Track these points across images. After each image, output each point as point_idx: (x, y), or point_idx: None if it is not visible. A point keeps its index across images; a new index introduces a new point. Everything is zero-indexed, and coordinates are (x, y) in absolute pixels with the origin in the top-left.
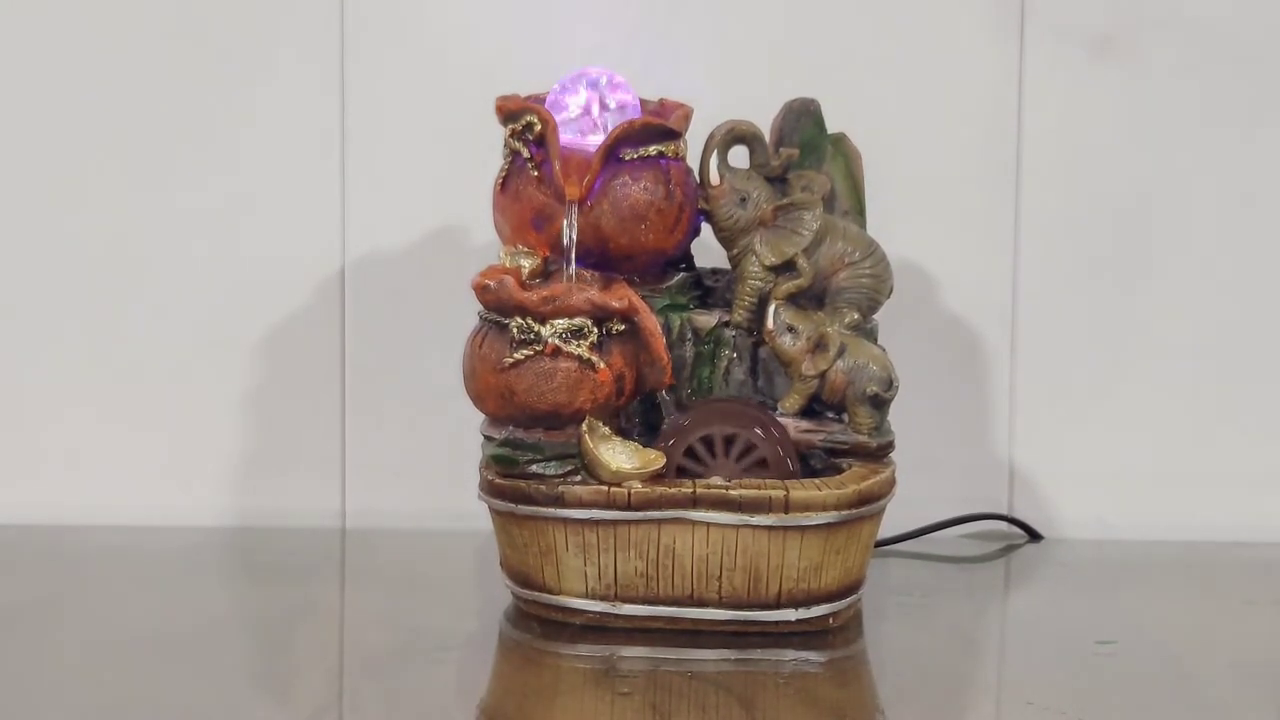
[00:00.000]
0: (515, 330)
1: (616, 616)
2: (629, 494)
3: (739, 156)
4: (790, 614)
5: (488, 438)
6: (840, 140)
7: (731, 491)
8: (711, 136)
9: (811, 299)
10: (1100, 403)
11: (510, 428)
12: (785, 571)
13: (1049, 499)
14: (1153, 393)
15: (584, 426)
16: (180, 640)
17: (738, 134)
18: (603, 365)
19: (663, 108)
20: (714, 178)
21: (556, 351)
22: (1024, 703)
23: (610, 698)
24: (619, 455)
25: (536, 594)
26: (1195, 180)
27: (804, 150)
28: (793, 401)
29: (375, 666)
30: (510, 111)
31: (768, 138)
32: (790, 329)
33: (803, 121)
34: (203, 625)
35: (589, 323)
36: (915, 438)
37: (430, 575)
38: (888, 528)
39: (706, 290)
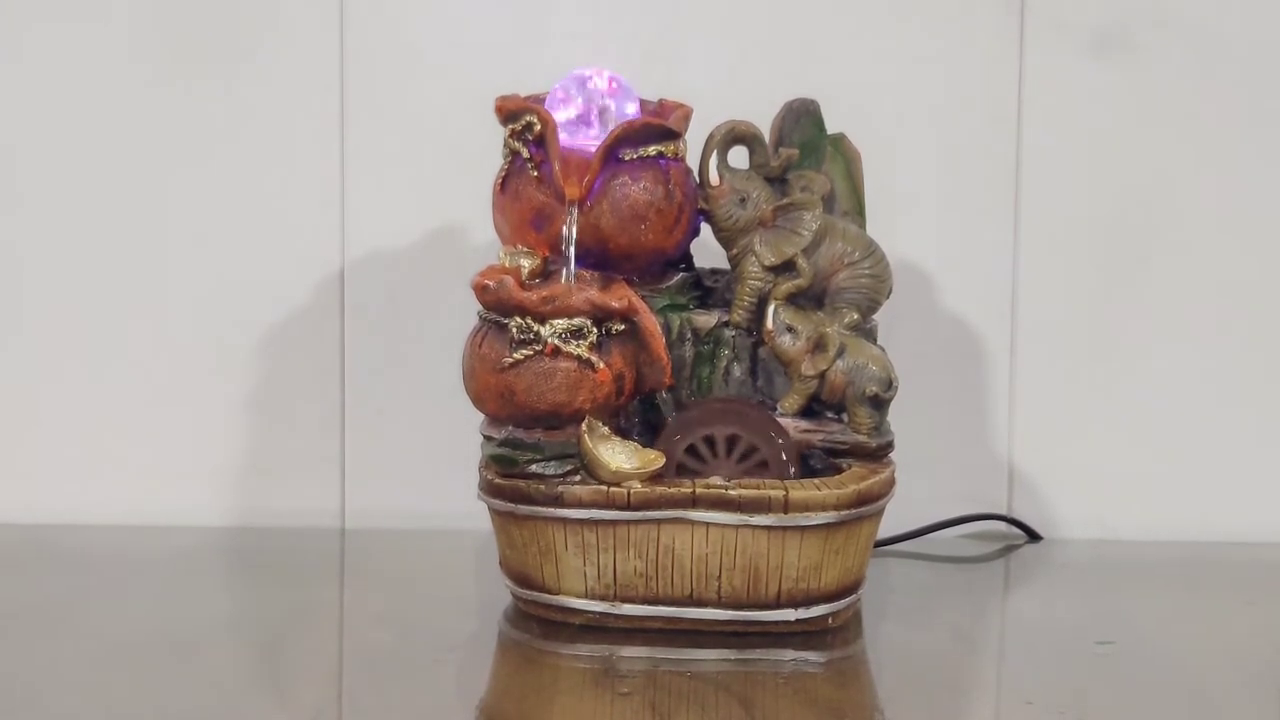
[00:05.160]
0: (515, 330)
1: (616, 616)
2: (628, 494)
3: (739, 157)
4: (790, 614)
5: (487, 437)
6: (840, 141)
7: (731, 491)
8: (711, 136)
9: (811, 299)
10: (1100, 403)
11: (510, 427)
12: (785, 571)
13: (1048, 499)
14: (1153, 393)
15: (583, 426)
16: (180, 641)
17: (737, 134)
18: (602, 365)
19: (662, 108)
20: (714, 178)
21: (556, 351)
22: (1024, 703)
23: (610, 698)
24: (618, 455)
25: (536, 594)
26: (1195, 179)
27: (804, 150)
28: (792, 401)
29: (375, 666)
30: (510, 111)
31: (767, 138)
32: (790, 329)
33: (802, 122)
34: (203, 625)
35: (588, 323)
36: (915, 438)
37: (430, 575)
38: (887, 528)
39: (706, 290)
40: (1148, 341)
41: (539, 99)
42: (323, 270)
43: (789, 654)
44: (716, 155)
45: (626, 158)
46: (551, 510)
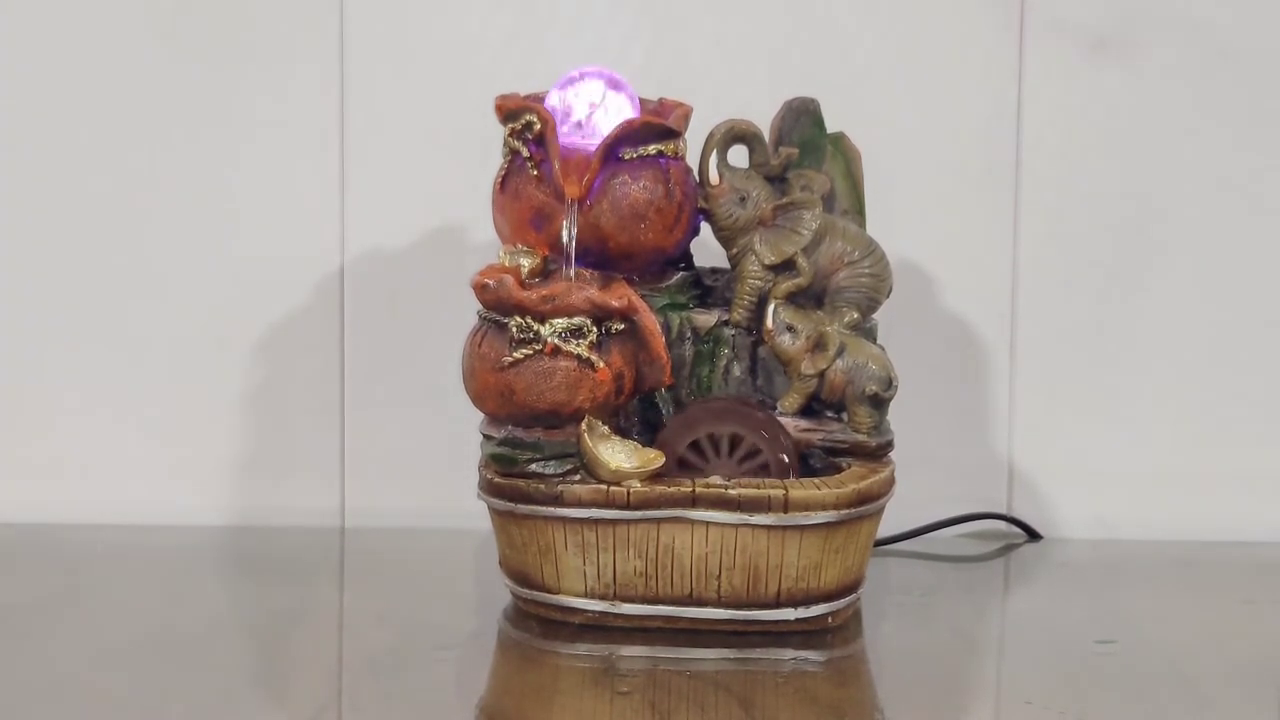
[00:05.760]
0: (514, 329)
1: (616, 616)
2: (628, 493)
3: (738, 156)
4: (789, 613)
5: (487, 437)
6: (840, 139)
7: (731, 491)
8: (711, 135)
9: (811, 298)
10: (1100, 403)
11: (509, 427)
12: (784, 571)
13: (1048, 499)
14: (1152, 393)
15: (583, 425)
16: (180, 640)
17: (737, 133)
18: (602, 364)
19: (662, 107)
20: (713, 177)
21: (556, 351)
22: (1023, 702)
23: (609, 697)
24: (618, 454)
25: (536, 593)
26: (1194, 180)
27: (803, 149)
28: (792, 401)
29: (375, 666)
30: (509, 110)
31: (767, 137)
32: (789, 328)
33: (802, 121)
34: (203, 625)
35: (588, 322)
36: (915, 437)
37: (430, 575)
38: (887, 527)
39: (706, 289)
40: (1147, 341)
41: (538, 98)
42: (323, 270)
43: (789, 653)
44: (716, 154)
45: (626, 156)
46: (551, 509)
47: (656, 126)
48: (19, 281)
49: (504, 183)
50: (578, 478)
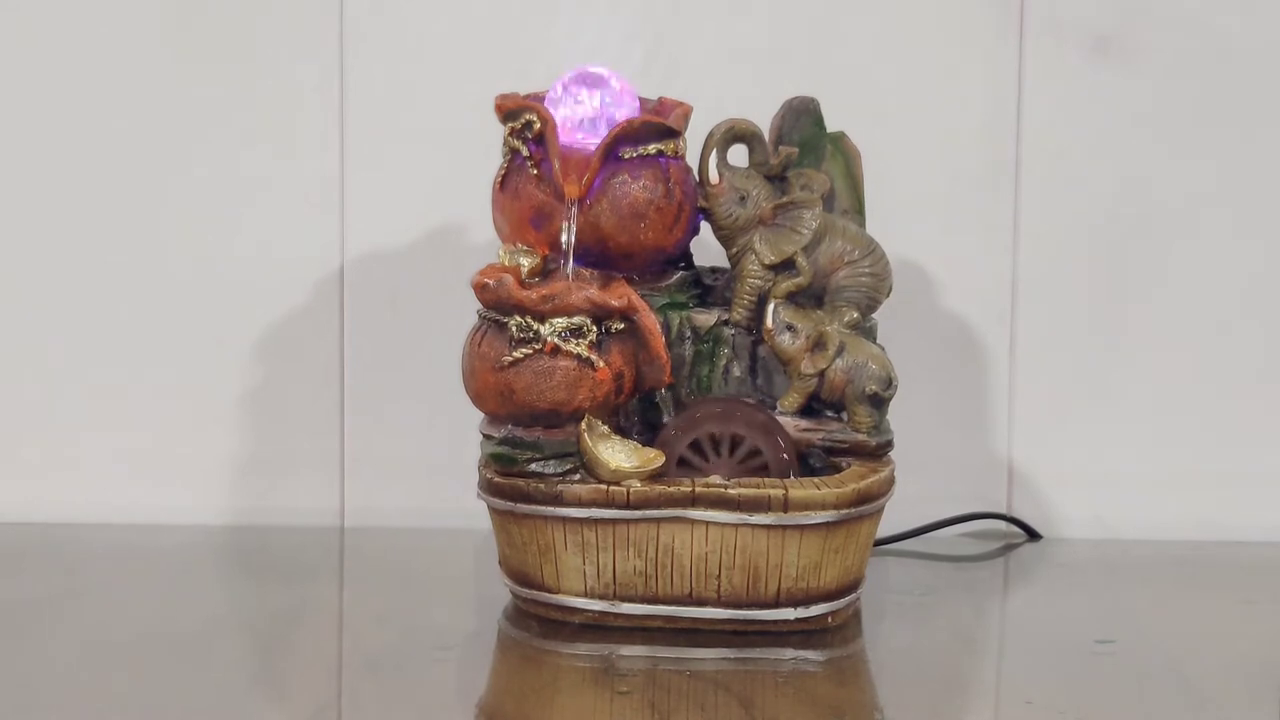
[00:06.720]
0: (514, 329)
1: (615, 615)
2: (628, 493)
3: (738, 155)
4: (789, 613)
5: (487, 436)
6: (839, 139)
7: (730, 490)
8: (711, 135)
9: (810, 298)
10: (1100, 403)
11: (509, 426)
12: (784, 570)
13: (1048, 498)
14: (1153, 393)
15: (583, 425)
16: (180, 640)
17: (737, 132)
18: (602, 364)
19: (662, 106)
20: (713, 176)
21: (555, 350)
22: (1023, 702)
23: (609, 697)
24: (618, 454)
25: (535, 593)
26: (1194, 180)
27: (803, 149)
28: (792, 400)
29: (375, 666)
30: (509, 110)
31: (767, 136)
32: (789, 327)
33: (802, 120)
34: (203, 625)
35: (588, 321)
36: (914, 437)
37: (430, 574)
38: (887, 527)
39: (706, 289)
40: (1147, 341)
41: (538, 97)
42: (323, 270)
43: (788, 653)
44: (716, 153)
45: (626, 156)
46: (551, 509)
47: (656, 126)
48: (19, 281)
49: (504, 182)
50: (578, 477)
